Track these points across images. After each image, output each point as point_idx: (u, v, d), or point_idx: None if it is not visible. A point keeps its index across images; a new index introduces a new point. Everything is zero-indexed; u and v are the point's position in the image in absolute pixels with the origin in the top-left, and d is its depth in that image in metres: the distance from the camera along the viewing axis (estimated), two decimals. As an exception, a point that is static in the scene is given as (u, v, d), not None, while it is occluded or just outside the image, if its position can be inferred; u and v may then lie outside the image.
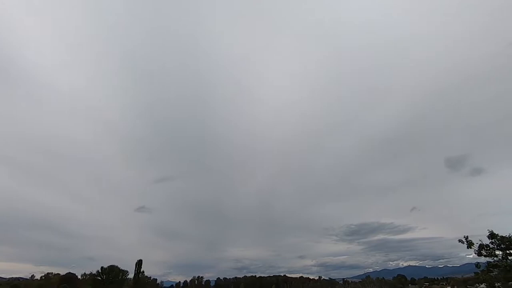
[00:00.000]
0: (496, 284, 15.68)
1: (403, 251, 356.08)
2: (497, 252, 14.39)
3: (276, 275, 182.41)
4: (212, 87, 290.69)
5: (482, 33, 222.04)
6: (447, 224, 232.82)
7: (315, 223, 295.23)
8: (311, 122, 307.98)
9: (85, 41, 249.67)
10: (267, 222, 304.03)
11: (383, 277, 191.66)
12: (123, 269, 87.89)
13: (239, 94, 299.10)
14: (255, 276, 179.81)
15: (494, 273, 14.90)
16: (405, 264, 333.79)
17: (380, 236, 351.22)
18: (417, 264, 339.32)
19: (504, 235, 14.59)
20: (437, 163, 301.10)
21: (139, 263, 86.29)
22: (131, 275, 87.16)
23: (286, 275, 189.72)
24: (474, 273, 16.31)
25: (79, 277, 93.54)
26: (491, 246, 14.56)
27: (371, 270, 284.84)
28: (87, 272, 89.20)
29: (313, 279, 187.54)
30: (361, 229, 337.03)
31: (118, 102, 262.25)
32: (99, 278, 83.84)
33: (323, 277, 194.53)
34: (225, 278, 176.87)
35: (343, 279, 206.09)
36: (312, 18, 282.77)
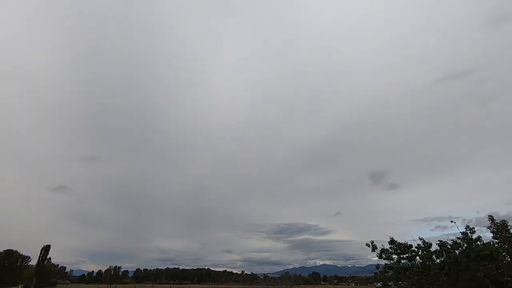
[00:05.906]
0: (389, 283, 18.19)
1: (322, 251, 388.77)
2: (393, 256, 16.67)
3: (200, 268, 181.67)
4: (159, 72, 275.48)
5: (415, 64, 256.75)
6: (361, 229, 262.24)
7: (245, 219, 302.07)
8: (254, 118, 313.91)
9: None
10: (198, 214, 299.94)
11: (300, 274, 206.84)
12: (24, 254, 76.76)
13: (187, 81, 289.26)
14: (178, 268, 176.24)
15: (389, 274, 17.28)
16: (321, 262, 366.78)
17: (305, 236, 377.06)
18: (331, 263, 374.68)
19: (401, 242, 17.00)
20: (362, 175, 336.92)
21: (45, 249, 76.28)
22: (34, 262, 76.57)
23: (211, 268, 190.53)
24: (374, 273, 18.57)
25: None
26: (390, 250, 16.81)
27: (291, 267, 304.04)
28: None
29: (236, 273, 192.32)
30: (289, 228, 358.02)
31: (53, 67, 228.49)
32: (-10, 263, 71.74)
33: (246, 272, 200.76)
34: (145, 269, 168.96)
35: (264, 274, 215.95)
36: (270, 17, 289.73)
